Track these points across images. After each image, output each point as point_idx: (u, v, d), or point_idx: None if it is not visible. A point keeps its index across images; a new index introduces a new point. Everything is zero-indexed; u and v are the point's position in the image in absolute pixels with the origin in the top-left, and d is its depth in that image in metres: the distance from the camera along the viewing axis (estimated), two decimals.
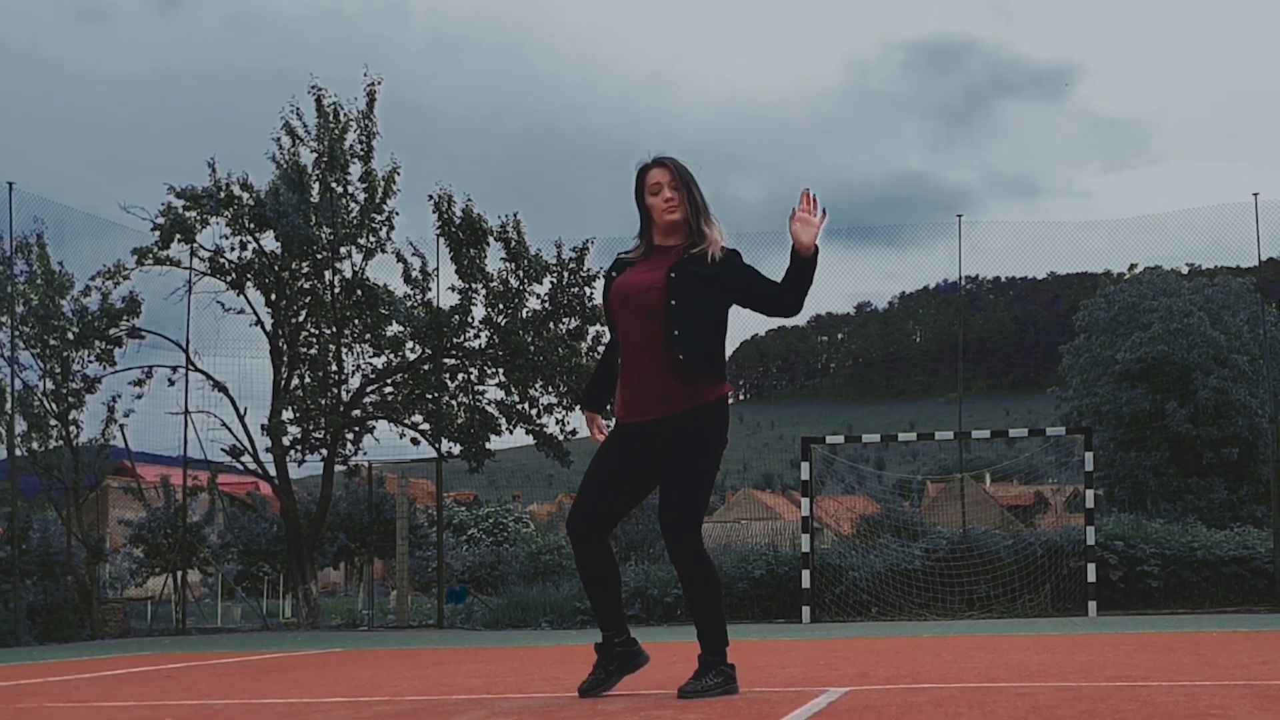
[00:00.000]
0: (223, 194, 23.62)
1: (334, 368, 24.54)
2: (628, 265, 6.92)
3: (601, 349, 24.47)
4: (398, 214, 24.50)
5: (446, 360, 24.70)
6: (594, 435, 7.12)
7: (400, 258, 24.55)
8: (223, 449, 24.49)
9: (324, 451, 24.78)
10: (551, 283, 24.36)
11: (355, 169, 24.07)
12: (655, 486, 6.88)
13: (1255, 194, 22.86)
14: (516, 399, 24.67)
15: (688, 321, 6.65)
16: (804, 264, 6.57)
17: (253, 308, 24.48)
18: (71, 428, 23.37)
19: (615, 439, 6.87)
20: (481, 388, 24.94)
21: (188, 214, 23.52)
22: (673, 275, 6.69)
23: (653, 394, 6.69)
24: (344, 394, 24.71)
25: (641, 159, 6.88)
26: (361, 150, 24.07)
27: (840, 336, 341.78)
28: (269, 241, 24.09)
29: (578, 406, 6.10)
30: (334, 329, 24.38)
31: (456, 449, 24.79)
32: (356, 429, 25.03)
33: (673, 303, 6.65)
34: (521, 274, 24.14)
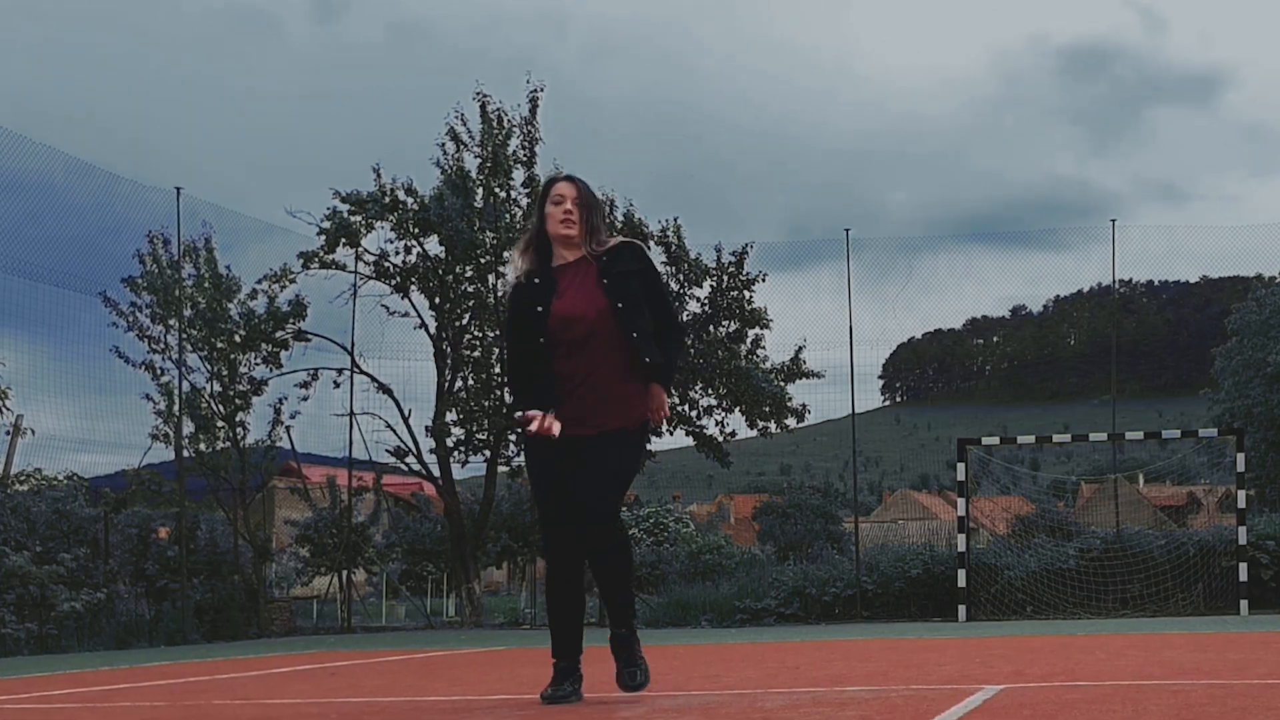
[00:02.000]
0: (387, 199, 23.89)
1: (497, 370, 24.65)
2: (538, 291, 6.70)
3: (759, 353, 24.36)
4: None
5: None
6: (543, 427, 6.57)
7: None
8: (387, 450, 24.83)
9: (487, 453, 25.04)
10: (711, 286, 24.40)
11: (518, 174, 24.25)
12: None
13: None
14: (676, 401, 24.66)
15: (640, 324, 6.66)
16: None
17: (417, 311, 24.82)
18: (238, 429, 23.58)
19: (553, 449, 6.63)
20: None
21: (353, 219, 23.84)
22: (605, 282, 6.65)
23: (612, 407, 6.58)
24: (507, 396, 24.75)
25: (552, 172, 6.91)
26: (524, 155, 24.20)
27: (995, 339, 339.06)
28: (433, 246, 24.39)
29: (519, 412, 5.53)
30: (497, 332, 24.49)
31: None
32: (519, 430, 25.05)
33: (619, 305, 6.61)
34: (682, 277, 24.17)
